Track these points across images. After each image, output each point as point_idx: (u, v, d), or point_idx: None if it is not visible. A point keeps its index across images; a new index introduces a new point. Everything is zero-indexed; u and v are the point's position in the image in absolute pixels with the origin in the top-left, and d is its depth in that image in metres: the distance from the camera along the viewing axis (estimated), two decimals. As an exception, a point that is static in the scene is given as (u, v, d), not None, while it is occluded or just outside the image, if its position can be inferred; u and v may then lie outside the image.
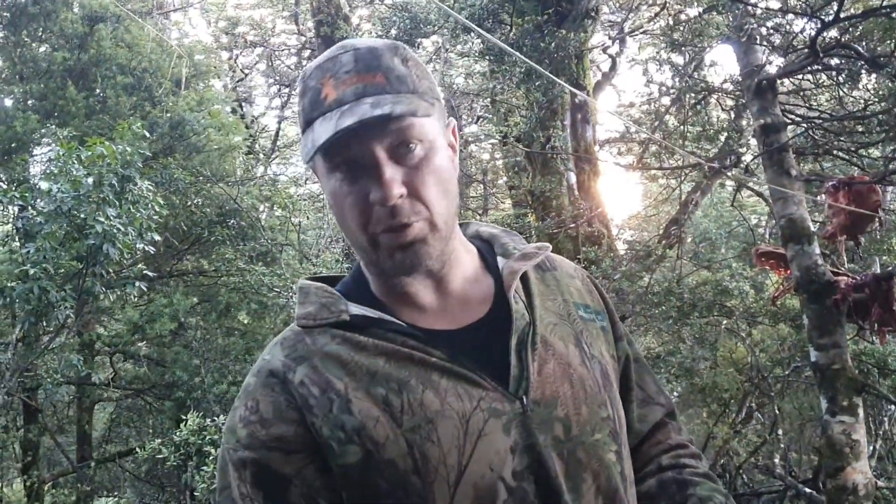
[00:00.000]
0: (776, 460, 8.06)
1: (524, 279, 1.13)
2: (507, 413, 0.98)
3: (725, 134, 7.28)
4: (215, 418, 6.09)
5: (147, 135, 7.25)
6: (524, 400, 1.00)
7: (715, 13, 6.14)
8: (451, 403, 0.97)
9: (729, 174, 7.07)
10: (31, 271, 6.20)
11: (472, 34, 7.67)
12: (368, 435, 0.95)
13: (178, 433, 5.99)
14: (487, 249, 1.18)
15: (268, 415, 1.00)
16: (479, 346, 1.04)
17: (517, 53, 2.54)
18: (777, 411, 7.99)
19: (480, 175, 12.89)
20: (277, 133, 16.59)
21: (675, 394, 9.64)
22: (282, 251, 10.24)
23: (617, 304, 6.55)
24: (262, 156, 15.02)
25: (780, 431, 8.15)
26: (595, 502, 1.01)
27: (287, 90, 15.97)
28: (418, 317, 1.07)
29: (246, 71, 16.76)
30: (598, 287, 1.26)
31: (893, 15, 5.04)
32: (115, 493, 11.39)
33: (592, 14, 7.87)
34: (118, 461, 10.65)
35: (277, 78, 16.36)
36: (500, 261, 1.15)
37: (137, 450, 7.26)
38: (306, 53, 15.43)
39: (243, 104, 15.96)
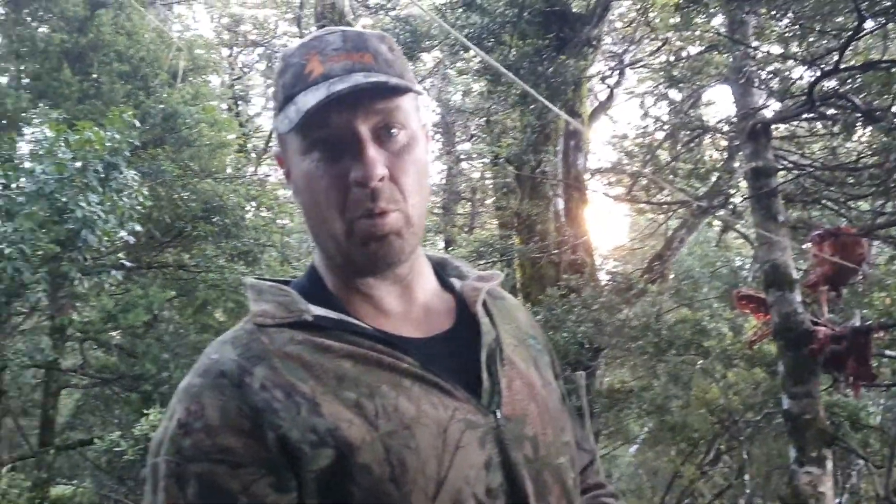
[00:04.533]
0: (741, 505, 8.03)
1: (483, 302, 1.09)
2: (482, 426, 0.94)
3: (717, 174, 7.30)
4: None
5: (138, 124, 7.17)
6: (497, 414, 0.96)
7: (715, 53, 6.16)
8: (426, 411, 0.91)
9: (717, 214, 7.08)
10: (7, 251, 6.11)
11: (472, 52, 7.67)
12: (342, 436, 0.87)
13: (138, 427, 5.90)
14: (439, 271, 1.15)
15: (214, 422, 0.89)
16: (448, 357, 0.99)
17: (511, 75, 2.52)
18: (745, 455, 7.97)
19: (469, 193, 12.87)
20: (271, 134, 16.55)
21: (645, 429, 9.64)
22: (263, 252, 10.18)
23: (594, 335, 6.54)
24: (253, 155, 14.96)
25: (746, 476, 8.12)
26: None
27: (285, 91, 15.94)
28: (383, 322, 1.01)
29: (245, 69, 16.75)
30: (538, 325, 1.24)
31: (893, 70, 5.06)
32: (74, 482, 11.21)
33: (594, 43, 7.88)
34: (79, 449, 10.49)
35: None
36: (456, 282, 1.13)
37: (96, 440, 7.15)
38: (307, 57, 15.40)
39: (239, 102, 15.93)
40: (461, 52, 7.71)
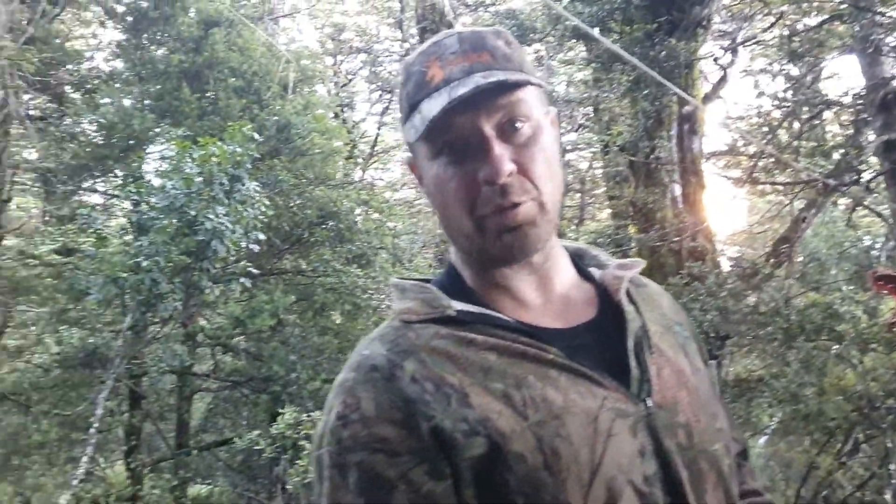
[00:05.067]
0: (887, 497, 7.62)
1: (626, 290, 1.09)
2: (632, 414, 0.94)
3: (842, 150, 6.96)
4: (310, 414, 6.20)
5: (257, 137, 7.46)
6: (647, 402, 0.96)
7: (838, 23, 5.88)
8: (574, 401, 0.92)
9: (847, 192, 6.76)
10: (144, 263, 6.47)
11: (578, 42, 7.59)
12: (494, 426, 0.89)
13: (274, 426, 6.12)
14: (577, 261, 1.15)
15: (370, 413, 0.93)
16: (593, 346, 1.00)
17: (633, 59, 2.48)
18: (889, 445, 7.57)
19: (578, 184, 12.74)
20: (376, 138, 16.85)
21: (775, 419, 9.29)
22: (376, 254, 10.37)
23: (721, 323, 6.35)
24: (360, 160, 15.27)
25: (891, 466, 7.72)
26: None
27: (388, 96, 16.20)
28: (523, 314, 1.02)
29: (349, 76, 17.09)
30: (684, 310, 1.22)
31: None
32: (209, 481, 11.71)
33: (704, 24, 7.66)
34: (213, 450, 10.97)
35: (379, 84, 16.61)
36: (595, 271, 1.13)
37: (236, 440, 7.45)
38: (409, 60, 15.57)
39: (345, 109, 16.27)
40: (566, 43, 7.64)
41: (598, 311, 1.06)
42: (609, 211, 10.94)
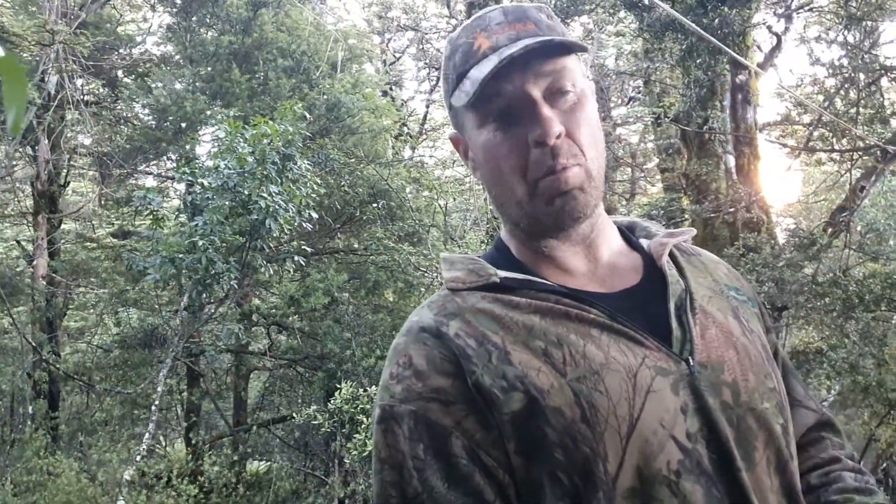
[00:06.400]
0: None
1: (672, 257, 1.12)
2: (673, 373, 0.94)
3: (903, 116, 6.77)
4: (366, 389, 6.28)
5: (307, 116, 7.53)
6: (690, 361, 0.96)
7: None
8: (615, 357, 0.94)
9: (908, 158, 6.58)
10: (200, 243, 6.60)
11: (629, 12, 7.48)
12: (532, 382, 0.92)
13: (332, 401, 6.22)
14: (628, 234, 1.17)
15: (422, 367, 0.97)
16: (635, 309, 1.01)
17: (690, 24, 2.45)
18: (951, 416, 7.40)
19: (629, 158, 12.59)
20: (425, 116, 16.85)
21: (833, 391, 9.14)
22: (428, 232, 10.41)
23: (777, 295, 6.25)
24: (410, 138, 15.30)
25: (952, 437, 7.55)
26: (768, 471, 0.97)
27: (437, 73, 16.17)
28: (568, 280, 1.05)
29: (397, 54, 17.09)
30: (744, 277, 1.22)
31: None
32: (266, 458, 11.94)
33: (758, -10, 7.48)
34: (270, 427, 11.18)
35: (427, 61, 16.60)
36: (644, 242, 1.15)
37: (294, 416, 7.58)
38: (456, 37, 15.48)
39: (393, 87, 16.29)
40: (616, 14, 7.54)
41: (642, 277, 1.08)
42: (661, 184, 10.80)
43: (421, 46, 16.42)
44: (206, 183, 6.91)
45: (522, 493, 0.93)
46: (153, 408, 7.38)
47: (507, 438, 0.92)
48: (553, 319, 0.97)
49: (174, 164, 9.93)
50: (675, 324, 1.00)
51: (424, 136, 16.61)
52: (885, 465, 8.27)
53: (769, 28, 8.22)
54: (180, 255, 6.73)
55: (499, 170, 1.02)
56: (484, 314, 0.99)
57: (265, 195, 6.54)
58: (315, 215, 7.29)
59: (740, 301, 1.12)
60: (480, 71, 0.98)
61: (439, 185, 11.46)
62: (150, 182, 12.45)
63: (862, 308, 6.84)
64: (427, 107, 16.83)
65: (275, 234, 7.05)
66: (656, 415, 0.91)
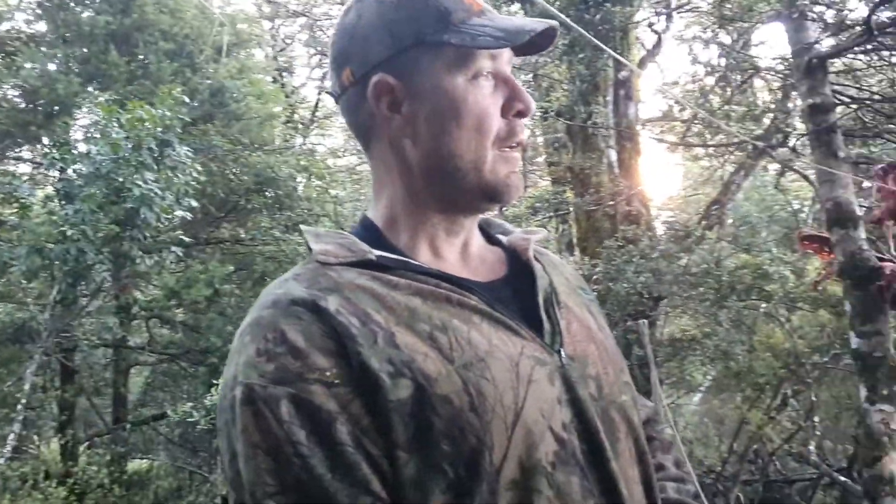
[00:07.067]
0: (811, 448, 7.93)
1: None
2: (549, 364, 0.94)
3: (772, 115, 7.10)
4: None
5: (187, 100, 7.26)
6: (561, 353, 0.97)
7: (766, -12, 5.96)
8: (497, 346, 0.91)
9: (774, 154, 6.90)
10: (69, 233, 6.28)
11: (516, 5, 7.55)
12: (419, 368, 0.86)
13: (209, 398, 6.04)
14: (485, 228, 1.17)
15: (299, 344, 0.86)
16: (508, 300, 1.01)
17: (566, 19, 2.47)
18: (813, 398, 7.85)
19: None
20: (317, 104, 16.57)
21: (708, 377, 9.54)
22: (317, 222, 10.26)
23: (654, 285, 6.47)
24: (300, 126, 15.02)
25: (815, 419, 8.01)
26: (631, 462, 0.99)
27: (327, 60, 15.90)
28: (442, 266, 1.02)
29: (287, 41, 16.75)
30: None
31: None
32: (149, 456, 11.56)
33: (639, -12, 7.68)
34: (152, 424, 10.81)
35: (319, 48, 16.32)
36: (502, 237, 1.15)
37: (169, 412, 7.34)
38: (348, 24, 15.28)
39: (284, 74, 15.96)
40: (503, 7, 7.58)
41: (508, 270, 1.08)
42: (549, 178, 10.99)
43: (312, 33, 16.13)
44: (77, 170, 6.58)
45: (402, 487, 0.85)
46: (19, 406, 6.97)
47: (391, 427, 0.85)
48: (435, 303, 0.93)
49: (45, 150, 9.41)
50: (544, 316, 1.00)
51: (316, 124, 16.34)
52: (755, 447, 8.68)
53: (650, 26, 8.47)
54: (49, 246, 6.39)
55: (468, 123, 0.98)
56: (364, 291, 0.92)
57: (140, 183, 6.27)
58: (195, 204, 7.05)
59: (589, 299, 1.15)
60: (519, 24, 0.97)
61: (330, 174, 11.33)
62: (24, 168, 11.79)
63: (734, 297, 7.16)
64: (319, 94, 16.56)
65: (152, 224, 6.77)
66: (537, 405, 0.90)
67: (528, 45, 1.00)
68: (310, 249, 0.99)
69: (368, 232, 1.05)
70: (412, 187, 1.02)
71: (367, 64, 1.01)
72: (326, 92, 15.56)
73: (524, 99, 1.00)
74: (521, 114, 1.01)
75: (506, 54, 1.01)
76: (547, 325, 0.99)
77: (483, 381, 0.88)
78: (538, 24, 0.98)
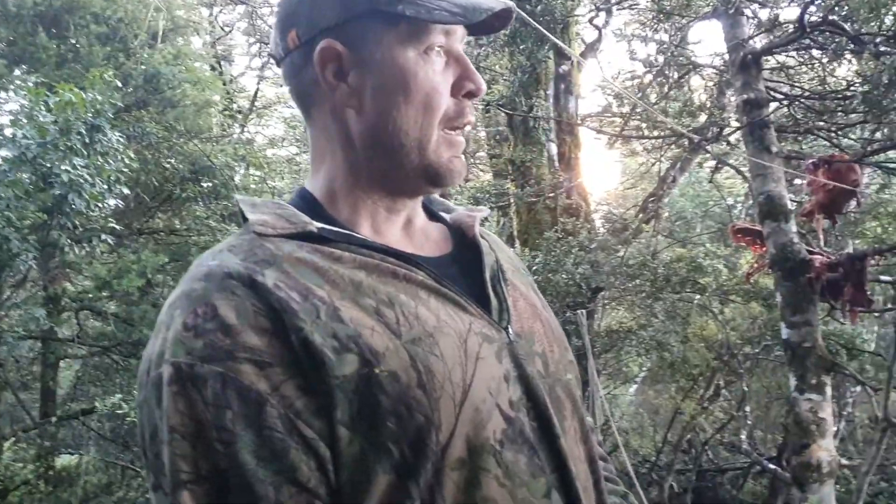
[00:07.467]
0: (742, 437, 8.13)
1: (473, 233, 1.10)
2: (496, 340, 0.93)
3: (708, 110, 7.23)
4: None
5: (120, 85, 7.04)
6: (508, 330, 0.95)
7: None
8: (446, 321, 0.89)
9: (709, 149, 7.04)
10: (-7, 220, 6.04)
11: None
12: (366, 343, 0.82)
13: (140, 389, 5.87)
14: (427, 205, 1.14)
15: (231, 320, 0.80)
16: (455, 276, 0.98)
17: (513, 4, 2.44)
18: (745, 389, 8.05)
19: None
20: (256, 93, 16.31)
21: (644, 368, 9.71)
22: (255, 212, 10.07)
23: (593, 276, 6.53)
24: (238, 115, 14.76)
25: (747, 409, 8.22)
26: (576, 439, 0.98)
27: (267, 49, 15.68)
28: (387, 241, 0.99)
29: (226, 29, 16.43)
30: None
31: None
32: (79, 451, 11.23)
33: (581, -18, 7.74)
34: (81, 418, 10.50)
35: (258, 37, 16.05)
36: (445, 215, 1.13)
37: (97, 406, 7.11)
38: (288, 13, 15.07)
39: (222, 62, 15.65)
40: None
41: (453, 246, 1.06)
42: (491, 171, 11.03)
43: (252, 21, 15.86)
44: (2, 155, 6.33)
45: (343, 467, 0.81)
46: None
47: (333, 406, 0.80)
48: (380, 277, 0.89)
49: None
50: (491, 293, 0.98)
51: (254, 114, 16.08)
52: (688, 436, 8.87)
53: (591, 21, 8.54)
54: (-30, 234, 6.13)
55: (416, 98, 0.94)
56: (304, 265, 0.87)
57: (69, 168, 6.05)
58: (127, 191, 6.86)
59: (530, 280, 1.15)
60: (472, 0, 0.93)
61: (269, 164, 11.16)
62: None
63: (669, 290, 7.29)
64: (258, 83, 16.30)
65: (82, 211, 6.55)
66: (485, 382, 0.87)
67: (483, 25, 0.97)
68: (245, 219, 0.94)
69: (307, 203, 1.00)
70: (353, 161, 0.99)
71: (314, 27, 0.96)
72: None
73: (475, 79, 0.97)
74: (471, 94, 0.98)
75: (459, 31, 0.98)
76: (494, 302, 0.97)
77: (432, 358, 0.85)
78: (495, 2, 0.95)
